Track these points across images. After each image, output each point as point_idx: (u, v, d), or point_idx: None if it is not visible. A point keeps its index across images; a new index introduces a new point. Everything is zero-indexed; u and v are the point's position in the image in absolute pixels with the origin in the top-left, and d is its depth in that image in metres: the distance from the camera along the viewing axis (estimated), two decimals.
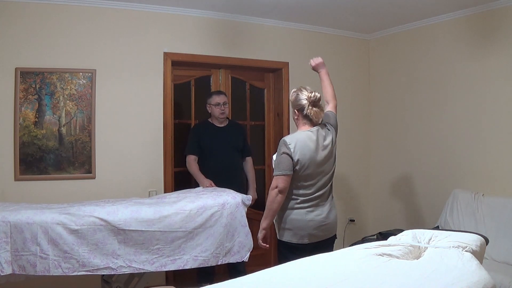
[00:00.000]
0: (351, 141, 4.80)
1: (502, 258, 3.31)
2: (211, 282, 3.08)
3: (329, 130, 2.82)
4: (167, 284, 3.82)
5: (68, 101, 3.68)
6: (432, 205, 4.26)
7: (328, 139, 2.77)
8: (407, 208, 4.60)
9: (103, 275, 3.00)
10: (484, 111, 3.90)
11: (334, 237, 2.88)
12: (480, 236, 2.06)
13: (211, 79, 4.43)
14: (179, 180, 4.21)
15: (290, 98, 2.84)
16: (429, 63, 4.38)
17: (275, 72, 4.66)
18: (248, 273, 1.85)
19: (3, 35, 3.49)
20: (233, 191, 3.30)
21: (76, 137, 3.71)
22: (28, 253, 2.57)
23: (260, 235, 2.76)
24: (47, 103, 3.62)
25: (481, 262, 1.89)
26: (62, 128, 3.67)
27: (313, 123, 2.76)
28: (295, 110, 2.79)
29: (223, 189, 3.43)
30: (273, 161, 2.80)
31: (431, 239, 2.04)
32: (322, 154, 2.72)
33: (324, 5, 3.97)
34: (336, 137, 2.85)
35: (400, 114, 4.71)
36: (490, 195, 3.69)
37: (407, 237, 2.10)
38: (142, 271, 2.86)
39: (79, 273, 2.68)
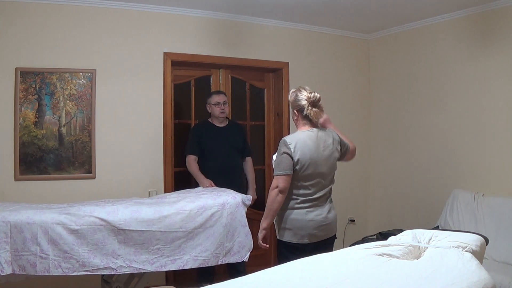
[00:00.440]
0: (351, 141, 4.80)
1: (502, 258, 3.31)
2: (211, 282, 3.08)
3: (330, 132, 2.82)
4: (167, 284, 3.82)
5: (68, 101, 3.68)
6: (432, 205, 4.26)
7: (329, 141, 2.77)
8: (407, 208, 4.60)
9: (103, 275, 3.00)
10: (484, 111, 3.90)
11: (334, 237, 2.88)
12: (480, 236, 2.06)
13: (211, 79, 4.43)
14: (179, 180, 4.21)
15: (289, 98, 2.83)
16: (429, 63, 4.38)
17: (275, 72, 4.66)
18: (248, 273, 1.85)
19: (3, 35, 3.49)
20: (233, 191, 3.30)
21: (76, 137, 3.71)
22: (28, 253, 2.57)
23: (260, 235, 2.76)
24: (47, 103, 3.62)
25: (481, 262, 1.89)
26: (62, 128, 3.67)
27: (313, 124, 2.76)
28: (295, 111, 2.78)
29: (223, 189, 3.43)
30: (273, 161, 2.80)
31: (431, 239, 2.04)
32: (322, 154, 2.72)
33: (324, 5, 3.97)
34: (339, 151, 2.85)
35: (400, 114, 4.71)
36: (490, 195, 3.69)
37: (407, 237, 2.10)
38: (142, 271, 2.86)
39: (79, 273, 2.68)
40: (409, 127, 4.60)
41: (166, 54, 4.02)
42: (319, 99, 2.72)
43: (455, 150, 4.14)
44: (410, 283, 1.63)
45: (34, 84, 3.58)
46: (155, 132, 3.98)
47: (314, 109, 2.70)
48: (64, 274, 2.65)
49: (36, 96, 3.59)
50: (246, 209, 3.20)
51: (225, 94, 3.95)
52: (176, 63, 4.12)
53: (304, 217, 2.70)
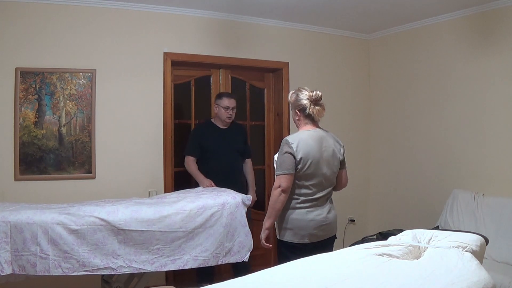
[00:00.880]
0: (351, 141, 4.79)
1: (502, 258, 3.31)
2: (211, 282, 3.08)
3: (332, 134, 2.83)
4: (167, 284, 3.82)
5: (68, 101, 3.68)
6: (432, 205, 4.26)
7: (330, 141, 2.78)
8: (407, 208, 4.60)
9: (103, 275, 3.00)
10: (484, 111, 3.90)
11: (334, 237, 2.88)
12: (480, 236, 2.06)
13: (211, 79, 4.43)
14: (179, 180, 4.21)
15: (289, 99, 2.83)
16: (429, 63, 4.38)
17: (275, 72, 4.66)
18: (248, 273, 1.85)
19: (3, 35, 3.49)
20: (233, 191, 3.30)
21: (76, 137, 3.71)
22: (28, 253, 2.57)
23: (263, 235, 2.76)
24: (47, 103, 3.62)
25: (481, 262, 1.89)
26: (62, 128, 3.67)
27: (315, 122, 2.77)
28: (296, 111, 2.78)
29: (223, 189, 3.43)
30: (274, 161, 2.81)
31: (431, 239, 2.04)
32: (324, 154, 2.72)
33: (324, 5, 3.97)
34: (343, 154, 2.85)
35: (400, 114, 4.71)
36: (490, 195, 3.69)
37: (407, 237, 2.10)
38: (142, 271, 2.86)
39: (79, 273, 2.68)
40: (409, 127, 4.60)
41: (166, 54, 4.02)
42: (321, 97, 2.73)
43: (455, 150, 4.14)
44: (410, 283, 1.63)
45: (34, 84, 3.58)
46: (155, 132, 3.98)
47: (316, 107, 2.71)
48: (64, 274, 2.65)
49: (36, 96, 3.59)
50: (246, 209, 3.20)
51: (235, 99, 3.93)
52: (176, 63, 4.12)
53: (304, 217, 2.71)
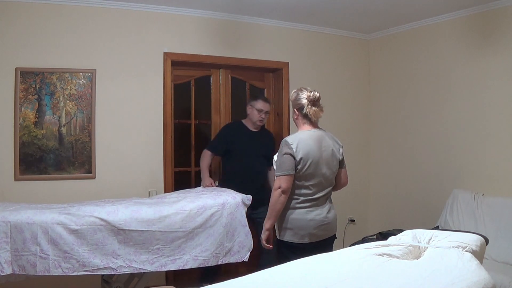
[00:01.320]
0: (351, 141, 4.80)
1: (502, 258, 3.31)
2: (212, 282, 3.07)
3: (331, 134, 2.84)
4: (167, 284, 3.82)
5: (68, 101, 3.68)
6: (432, 205, 4.26)
7: (329, 142, 2.78)
8: (407, 208, 4.60)
9: (103, 275, 3.00)
10: (484, 111, 3.90)
11: (334, 236, 2.89)
12: (480, 236, 2.06)
13: (211, 79, 4.43)
14: (179, 180, 4.21)
15: (290, 97, 2.87)
16: (429, 63, 4.38)
17: (275, 72, 4.66)
18: (248, 273, 1.85)
19: (3, 35, 3.49)
20: (233, 191, 3.30)
21: (76, 137, 3.71)
22: (28, 253, 2.57)
23: (264, 236, 2.76)
24: (47, 103, 3.62)
25: (481, 262, 1.89)
26: (62, 128, 3.67)
27: (312, 123, 2.77)
28: (295, 110, 2.80)
29: (223, 189, 3.44)
30: (274, 161, 2.81)
31: (431, 239, 2.04)
32: (323, 154, 2.73)
33: (324, 5, 3.97)
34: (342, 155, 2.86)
35: (400, 114, 4.71)
36: (490, 195, 3.69)
37: (407, 237, 2.10)
38: (142, 271, 2.86)
39: (79, 273, 2.68)
40: (409, 127, 4.60)
41: (166, 54, 4.01)
42: (318, 98, 2.74)
43: (455, 150, 4.14)
44: (410, 283, 1.63)
45: (34, 84, 3.58)
46: (155, 132, 3.98)
47: (313, 108, 2.71)
48: (64, 274, 2.65)
49: (36, 96, 3.59)
50: (246, 209, 3.20)
51: (270, 104, 3.95)
52: (176, 63, 4.12)
53: (304, 216, 2.71)
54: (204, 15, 4.14)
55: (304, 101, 2.72)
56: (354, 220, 4.94)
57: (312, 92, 2.73)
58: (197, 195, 3.21)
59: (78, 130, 3.71)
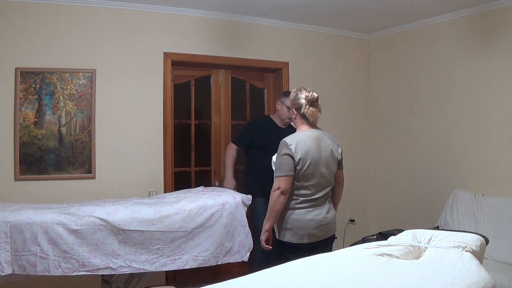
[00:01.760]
0: (351, 141, 4.80)
1: (502, 258, 3.31)
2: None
3: (329, 134, 2.84)
4: (167, 284, 3.82)
5: (68, 101, 3.68)
6: (432, 205, 4.26)
7: (328, 142, 2.78)
8: (407, 208, 4.60)
9: (103, 275, 3.01)
10: (484, 111, 3.90)
11: (333, 237, 2.88)
12: (480, 236, 2.07)
13: (211, 79, 4.43)
14: (179, 180, 4.21)
15: (289, 97, 2.86)
16: (429, 63, 4.38)
17: (275, 72, 4.66)
18: (248, 273, 1.85)
19: (3, 35, 3.49)
20: (233, 191, 3.30)
21: (76, 137, 3.71)
22: (28, 253, 2.57)
23: (263, 236, 2.76)
24: (47, 103, 3.62)
25: (481, 262, 1.89)
26: (62, 128, 3.67)
27: (310, 124, 2.77)
28: (294, 110, 2.81)
29: (223, 189, 3.44)
30: (273, 162, 2.81)
31: (431, 239, 2.04)
32: (322, 154, 2.73)
33: (324, 5, 3.97)
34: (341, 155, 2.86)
35: (400, 114, 4.71)
36: (490, 195, 3.69)
37: (407, 237, 2.10)
38: (142, 271, 2.86)
39: (79, 273, 2.68)
40: (409, 127, 4.60)
41: (166, 54, 4.02)
42: (317, 99, 2.74)
43: (455, 150, 4.14)
44: (410, 283, 1.63)
45: (34, 84, 3.58)
46: (155, 132, 3.98)
47: (311, 108, 2.71)
48: (64, 274, 2.65)
49: (36, 96, 3.59)
50: (246, 209, 3.20)
51: None
52: (176, 63, 4.12)
53: (303, 217, 2.71)
54: (204, 15, 4.14)
55: (303, 101, 2.72)
56: (354, 220, 4.94)
57: (311, 92, 2.73)
58: (197, 195, 3.21)
59: (78, 130, 3.71)
